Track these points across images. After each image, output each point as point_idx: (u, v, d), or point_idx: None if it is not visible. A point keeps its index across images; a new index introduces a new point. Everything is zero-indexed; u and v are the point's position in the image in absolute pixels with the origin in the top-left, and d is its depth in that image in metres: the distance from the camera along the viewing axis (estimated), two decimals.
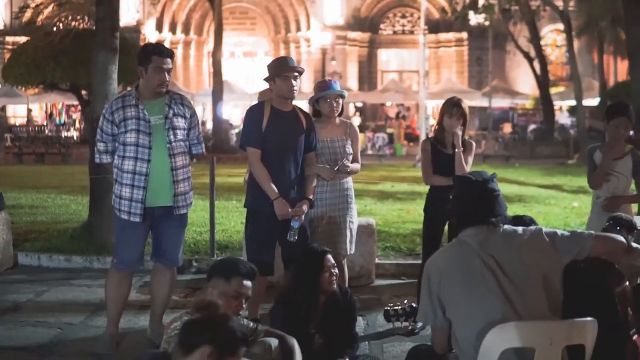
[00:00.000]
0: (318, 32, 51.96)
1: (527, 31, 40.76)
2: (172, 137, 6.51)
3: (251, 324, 4.94)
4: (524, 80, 50.42)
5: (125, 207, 6.49)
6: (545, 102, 40.84)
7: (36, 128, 40.73)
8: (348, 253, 7.27)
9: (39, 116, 49.95)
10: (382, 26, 57.18)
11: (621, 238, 4.22)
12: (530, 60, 40.50)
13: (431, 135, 7.99)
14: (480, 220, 4.11)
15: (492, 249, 4.00)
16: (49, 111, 51.29)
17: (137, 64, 6.54)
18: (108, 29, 10.73)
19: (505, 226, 4.13)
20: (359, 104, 52.43)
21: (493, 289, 3.90)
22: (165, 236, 6.69)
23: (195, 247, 10.58)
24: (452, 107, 7.36)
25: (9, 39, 51.35)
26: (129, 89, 6.99)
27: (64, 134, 39.32)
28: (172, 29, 55.92)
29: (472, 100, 49.12)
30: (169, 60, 6.55)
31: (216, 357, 3.56)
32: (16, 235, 10.77)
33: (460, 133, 7.33)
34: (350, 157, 7.18)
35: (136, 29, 50.66)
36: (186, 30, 56.85)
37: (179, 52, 55.90)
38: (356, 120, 41.93)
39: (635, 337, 3.93)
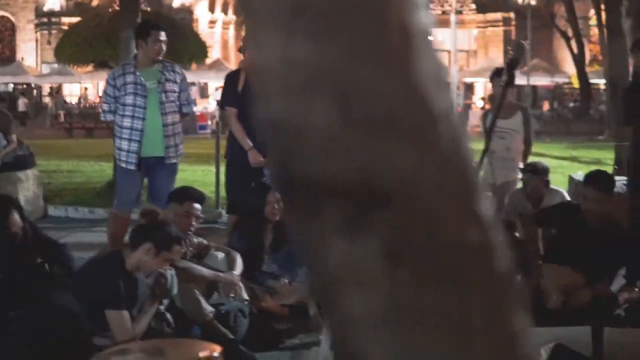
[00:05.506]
0: None
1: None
2: (164, 98, 7.67)
3: (204, 241, 6.14)
4: (569, 59, 50.57)
5: (123, 157, 7.70)
6: (582, 80, 41.22)
7: (87, 105, 42.08)
8: None
9: (92, 95, 51.38)
10: (431, 6, 57.43)
11: None
12: (567, 39, 40.88)
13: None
14: None
15: None
16: (100, 89, 52.75)
17: (136, 38, 7.78)
18: (131, 10, 12.06)
19: None
20: None
21: None
22: (158, 182, 7.81)
23: None
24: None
25: (65, 19, 52.96)
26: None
27: None
28: (224, 10, 56.73)
29: None
30: (163, 33, 7.74)
31: (155, 252, 4.78)
32: (50, 193, 12.07)
33: None
34: None
35: (189, 10, 51.61)
36: (238, 12, 57.61)
37: (230, 33, 56.87)
38: None
39: None
